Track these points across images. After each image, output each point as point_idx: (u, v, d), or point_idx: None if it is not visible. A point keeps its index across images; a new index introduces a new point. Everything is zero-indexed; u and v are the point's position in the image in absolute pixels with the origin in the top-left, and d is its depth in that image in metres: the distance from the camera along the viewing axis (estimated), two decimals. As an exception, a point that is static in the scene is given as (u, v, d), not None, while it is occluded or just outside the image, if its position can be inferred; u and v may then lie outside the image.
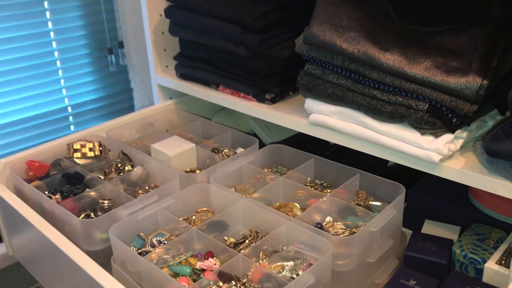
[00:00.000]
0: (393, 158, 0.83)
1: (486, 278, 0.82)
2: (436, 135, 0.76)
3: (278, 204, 0.95)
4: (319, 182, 1.02)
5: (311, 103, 0.91)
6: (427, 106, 0.76)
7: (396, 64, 0.76)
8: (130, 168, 1.05)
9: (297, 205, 0.93)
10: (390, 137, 0.81)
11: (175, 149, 1.07)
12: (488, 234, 0.91)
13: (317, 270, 0.73)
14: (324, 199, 0.92)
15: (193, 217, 0.92)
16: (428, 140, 0.76)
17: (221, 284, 0.73)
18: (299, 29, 0.91)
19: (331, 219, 0.89)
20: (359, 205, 0.93)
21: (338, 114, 0.87)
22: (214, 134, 1.18)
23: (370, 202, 0.94)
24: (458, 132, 0.78)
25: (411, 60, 0.76)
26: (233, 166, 1.01)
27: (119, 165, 1.07)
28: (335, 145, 1.22)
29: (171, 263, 0.79)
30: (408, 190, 1.03)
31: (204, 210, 0.95)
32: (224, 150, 1.12)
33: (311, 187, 1.00)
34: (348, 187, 0.95)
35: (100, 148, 1.08)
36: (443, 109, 0.76)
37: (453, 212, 0.99)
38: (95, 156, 1.07)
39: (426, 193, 1.02)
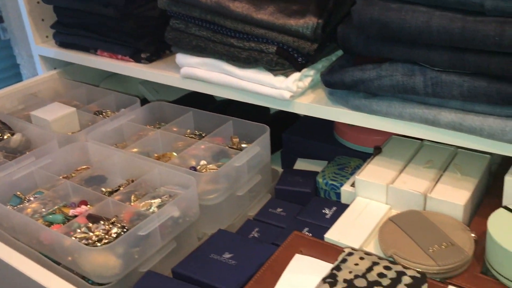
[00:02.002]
0: (253, 101, 0.90)
1: (343, 200, 0.92)
2: (287, 75, 0.83)
3: (156, 155, 1.00)
4: (198, 133, 1.08)
5: (180, 57, 0.96)
6: (275, 49, 0.82)
7: (244, 11, 0.83)
8: (10, 136, 1.06)
9: (175, 154, 0.99)
10: (250, 81, 0.87)
11: (55, 114, 1.08)
12: (347, 163, 1.01)
13: (181, 203, 0.79)
14: (201, 146, 0.98)
15: (73, 175, 0.95)
16: (280, 80, 0.83)
17: (90, 225, 0.77)
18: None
19: (205, 162, 0.96)
20: (232, 148, 1.00)
21: (204, 65, 0.92)
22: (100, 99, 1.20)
23: (242, 145, 1.01)
24: (304, 70, 0.85)
25: (257, 7, 0.83)
26: (113, 125, 1.05)
27: (-2, 134, 1.07)
28: (221, 101, 1.29)
29: (44, 213, 0.82)
30: (282, 134, 1.12)
31: (83, 168, 0.98)
32: (107, 112, 1.15)
33: (190, 138, 1.05)
34: (223, 133, 1.02)
35: (-24, 119, 1.07)
36: (289, 50, 0.83)
37: (321, 149, 1.08)
38: (-28, 127, 1.06)
39: (298, 135, 1.11)
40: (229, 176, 0.88)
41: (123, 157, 0.94)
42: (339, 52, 0.94)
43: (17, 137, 1.04)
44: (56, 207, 0.84)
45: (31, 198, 0.87)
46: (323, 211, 0.89)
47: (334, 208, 0.89)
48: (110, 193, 0.87)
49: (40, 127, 1.07)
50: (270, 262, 0.73)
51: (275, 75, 0.83)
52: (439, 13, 0.63)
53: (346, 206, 0.86)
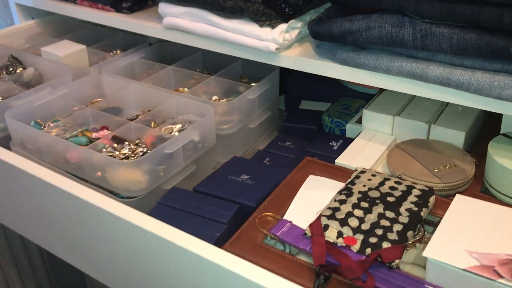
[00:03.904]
0: (238, 53, 0.86)
1: (349, 135, 0.98)
2: (273, 26, 0.79)
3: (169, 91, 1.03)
4: (207, 72, 1.12)
5: (163, 6, 0.91)
6: None
7: None
8: (22, 70, 1.07)
9: (187, 89, 1.02)
10: (234, 32, 0.83)
11: (66, 50, 1.10)
12: (351, 103, 1.06)
13: (200, 128, 0.83)
14: (210, 82, 1.01)
15: (88, 106, 0.98)
16: (265, 31, 0.79)
17: (115, 145, 0.81)
18: None
19: (217, 98, 1.00)
20: (242, 84, 1.03)
21: (188, 15, 0.87)
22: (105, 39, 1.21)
23: (252, 84, 1.05)
24: (292, 22, 0.81)
25: None
26: (124, 61, 1.07)
27: (10, 69, 1.08)
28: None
29: (68, 136, 0.85)
30: (287, 77, 1.16)
31: (98, 100, 1.00)
32: (117, 51, 1.17)
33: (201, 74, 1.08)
34: (232, 72, 1.05)
35: (-12, 53, 1.08)
36: None
37: (325, 92, 1.13)
38: (-17, 61, 1.08)
39: (302, 78, 1.16)
40: (242, 108, 0.92)
41: (138, 89, 0.97)
42: (328, 5, 0.88)
43: (29, 70, 1.06)
44: (78, 130, 0.87)
45: (51, 125, 0.90)
46: (330, 143, 0.94)
47: (341, 141, 0.94)
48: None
49: (51, 61, 1.08)
50: (285, 181, 0.79)
51: (261, 26, 0.80)
52: None
53: (352, 139, 0.91)
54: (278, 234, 0.67)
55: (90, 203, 0.67)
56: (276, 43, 0.79)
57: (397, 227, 0.64)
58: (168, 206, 0.74)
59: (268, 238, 0.68)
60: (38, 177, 0.72)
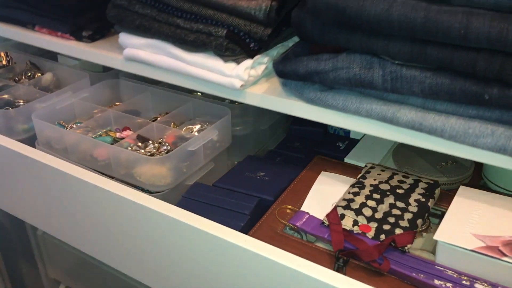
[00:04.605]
0: (202, 88, 0.81)
1: (352, 135, 1.04)
2: (238, 62, 0.75)
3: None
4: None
5: (123, 37, 0.86)
6: (225, 32, 0.74)
7: None
8: (40, 76, 1.12)
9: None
10: (198, 67, 0.78)
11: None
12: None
13: (219, 127, 0.89)
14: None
15: (107, 109, 1.03)
16: (230, 67, 0.75)
17: (139, 144, 0.86)
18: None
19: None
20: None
21: (149, 47, 0.83)
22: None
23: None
24: (257, 57, 0.76)
25: None
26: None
27: (29, 74, 1.13)
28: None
29: (93, 136, 0.90)
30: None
31: (116, 104, 1.06)
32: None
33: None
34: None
35: (8, 58, 1.13)
36: (240, 34, 0.74)
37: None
38: (3, 66, 1.12)
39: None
40: (255, 110, 0.98)
41: (155, 92, 1.03)
42: (297, 38, 0.80)
43: (48, 76, 1.11)
44: (103, 130, 0.92)
45: (74, 126, 0.95)
46: (337, 144, 1.00)
47: (346, 142, 1.01)
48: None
49: (68, 66, 1.13)
50: (299, 177, 0.85)
51: (225, 61, 0.75)
52: (401, 0, 0.57)
53: (357, 140, 0.98)
54: (297, 224, 0.72)
55: (125, 197, 0.71)
56: (241, 79, 0.74)
57: (408, 216, 0.70)
58: (192, 199, 0.79)
59: (287, 228, 0.74)
60: (73, 175, 0.76)
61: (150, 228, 0.73)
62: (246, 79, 0.74)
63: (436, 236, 0.63)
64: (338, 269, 0.64)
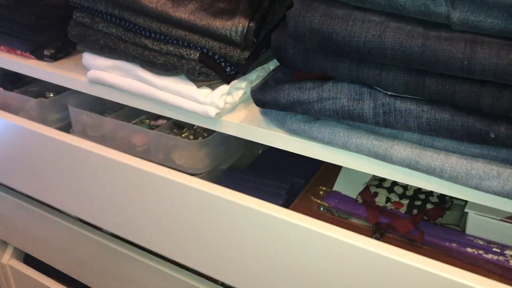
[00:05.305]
0: (173, 115, 0.74)
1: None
2: (213, 87, 0.68)
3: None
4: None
5: (88, 58, 0.79)
6: (198, 55, 0.67)
7: (159, 8, 0.67)
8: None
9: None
10: (169, 92, 0.71)
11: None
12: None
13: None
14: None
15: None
16: (204, 93, 0.68)
17: (175, 130, 0.90)
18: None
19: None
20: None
21: (115, 69, 0.76)
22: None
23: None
24: (234, 82, 0.70)
25: (175, 3, 0.67)
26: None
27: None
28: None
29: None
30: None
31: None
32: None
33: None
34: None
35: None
36: (215, 57, 0.67)
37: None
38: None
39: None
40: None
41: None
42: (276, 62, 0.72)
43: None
44: (137, 119, 0.94)
45: (106, 116, 0.94)
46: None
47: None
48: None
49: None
50: (325, 164, 0.86)
51: (199, 86, 0.68)
52: (395, 25, 0.50)
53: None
54: (332, 203, 0.77)
55: (171, 179, 0.68)
56: (217, 107, 0.67)
57: (437, 193, 0.74)
58: (230, 181, 0.83)
59: (321, 208, 0.77)
60: (118, 160, 0.73)
61: (198, 209, 0.68)
62: (222, 107, 0.67)
63: (467, 208, 0.66)
64: (375, 241, 0.66)
